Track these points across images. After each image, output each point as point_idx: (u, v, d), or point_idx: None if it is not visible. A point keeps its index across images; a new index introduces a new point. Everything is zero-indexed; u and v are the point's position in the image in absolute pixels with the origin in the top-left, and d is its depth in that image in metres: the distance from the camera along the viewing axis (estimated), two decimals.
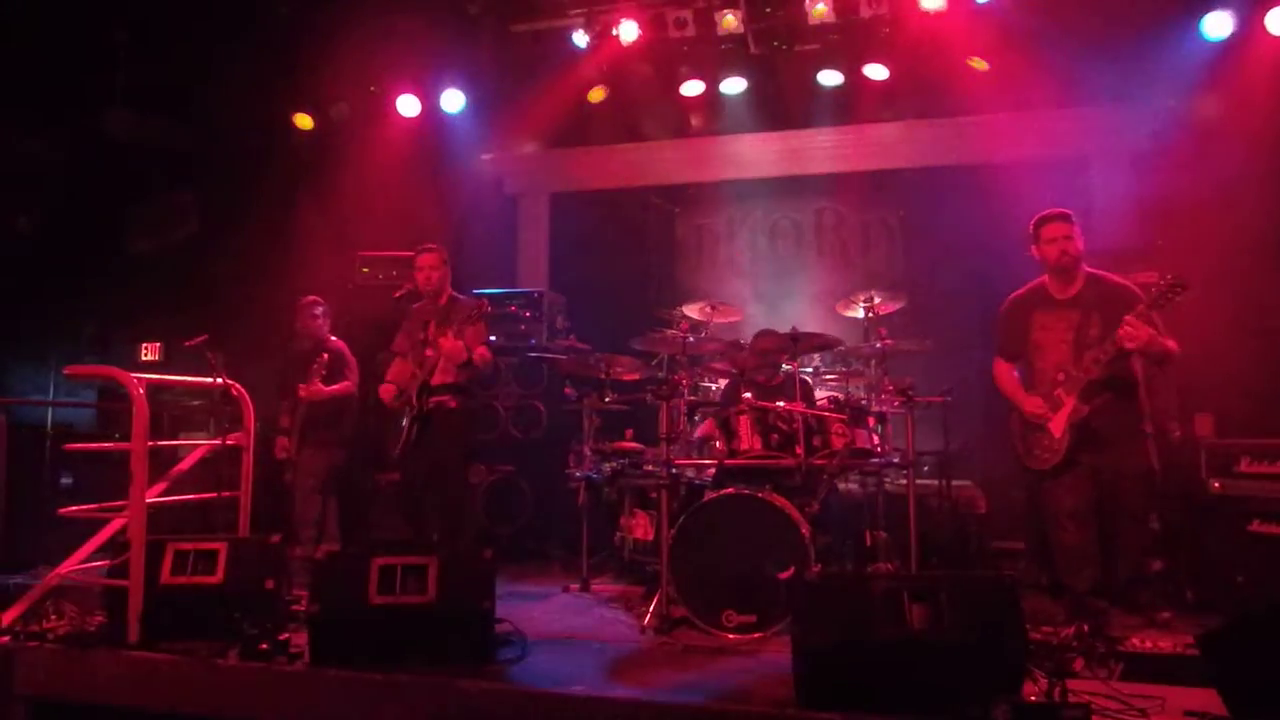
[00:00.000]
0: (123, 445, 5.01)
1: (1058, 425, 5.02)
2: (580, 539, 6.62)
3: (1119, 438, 5.00)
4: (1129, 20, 7.25)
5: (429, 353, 5.78)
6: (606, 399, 6.84)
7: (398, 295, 6.10)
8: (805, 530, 5.11)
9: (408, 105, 8.81)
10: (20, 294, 8.48)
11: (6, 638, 4.75)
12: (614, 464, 6.80)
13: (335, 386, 6.98)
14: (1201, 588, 5.53)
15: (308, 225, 9.77)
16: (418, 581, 4.41)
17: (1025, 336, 5.26)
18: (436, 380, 5.95)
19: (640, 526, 6.27)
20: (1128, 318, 4.73)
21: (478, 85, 8.51)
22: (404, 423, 5.91)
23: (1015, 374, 5.40)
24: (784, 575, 4.98)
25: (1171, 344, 4.90)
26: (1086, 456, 5.02)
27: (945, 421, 6.88)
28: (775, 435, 5.62)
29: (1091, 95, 7.89)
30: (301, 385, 6.83)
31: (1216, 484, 5.63)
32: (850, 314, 7.17)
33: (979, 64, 7.55)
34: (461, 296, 6.27)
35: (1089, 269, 5.25)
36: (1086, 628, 4.53)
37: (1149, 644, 4.51)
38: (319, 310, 7.29)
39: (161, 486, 5.55)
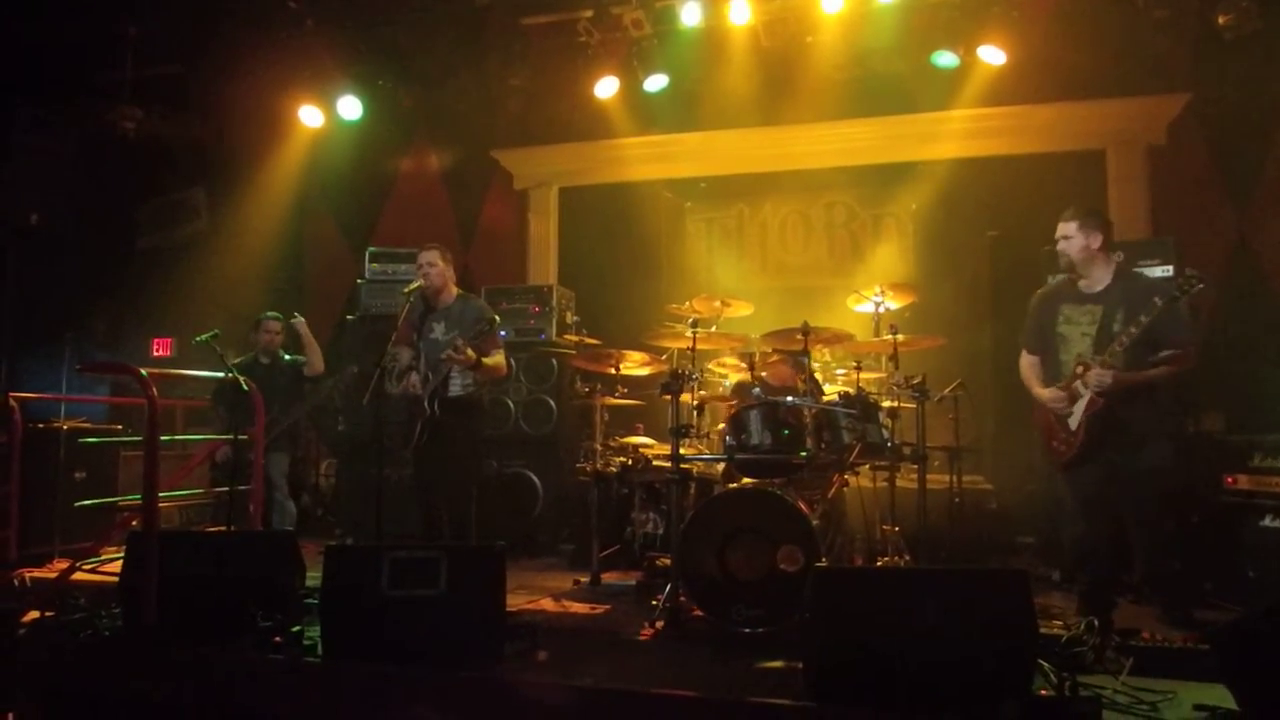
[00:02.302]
0: (135, 440, 5.04)
1: (1075, 418, 5.03)
2: (590, 533, 6.63)
3: (1136, 435, 4.99)
4: (1145, 12, 7.21)
5: (448, 354, 5.77)
6: (616, 393, 6.85)
7: (408, 290, 6.09)
8: (815, 525, 5.11)
9: (415, 100, 8.82)
10: (32, 290, 8.53)
11: (23, 630, 4.78)
12: (624, 458, 6.82)
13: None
14: (1213, 583, 5.52)
15: (318, 220, 9.82)
16: (429, 575, 4.42)
17: (1050, 329, 5.27)
18: (449, 385, 5.95)
19: (650, 521, 6.28)
20: (1094, 368, 4.88)
21: (487, 78, 8.50)
22: (418, 425, 5.91)
23: (1038, 366, 5.39)
24: (794, 570, 4.99)
25: (1153, 373, 4.93)
26: (1103, 451, 5.02)
27: (956, 416, 6.87)
28: (786, 430, 5.63)
29: (1107, 88, 7.85)
30: None
31: (1229, 479, 5.62)
32: (861, 308, 7.17)
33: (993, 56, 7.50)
34: (473, 298, 6.25)
35: (1126, 266, 5.34)
36: (1097, 622, 4.52)
37: (1159, 638, 4.51)
38: (275, 327, 7.37)
39: (174, 480, 5.58)
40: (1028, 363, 5.43)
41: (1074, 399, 5.03)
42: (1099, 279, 5.16)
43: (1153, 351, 4.91)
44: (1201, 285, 4.74)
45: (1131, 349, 4.87)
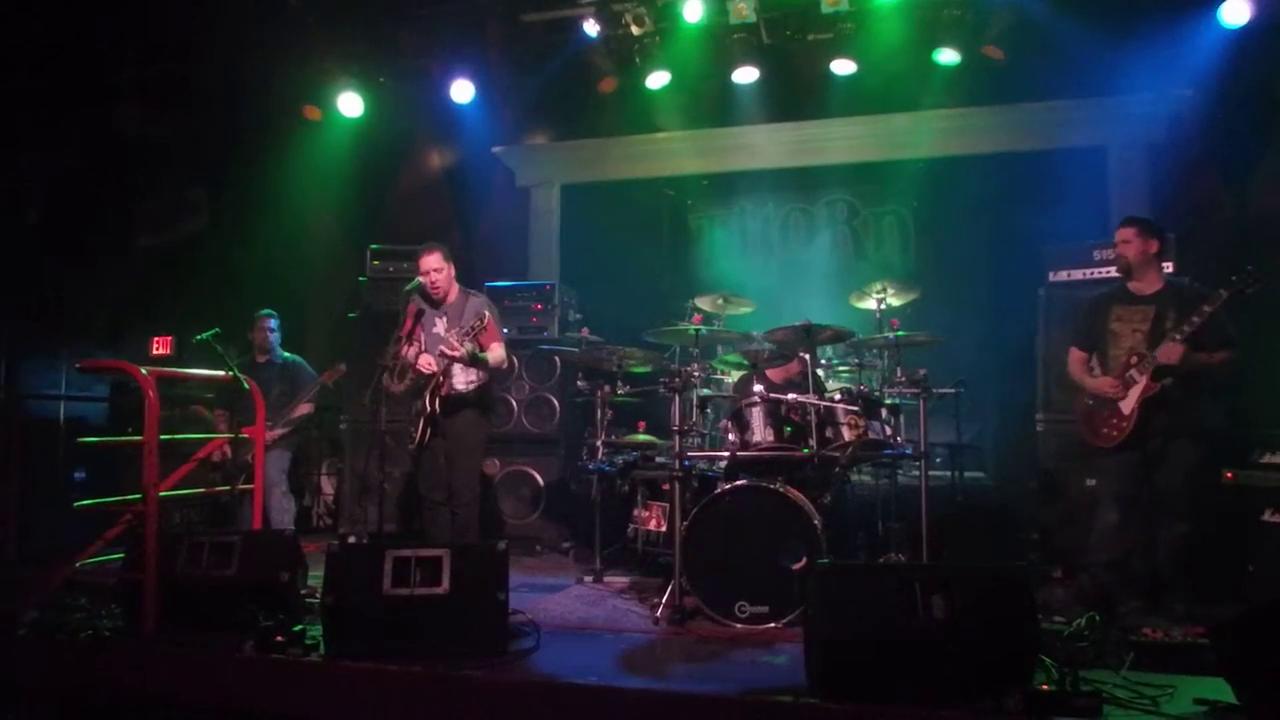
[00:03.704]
0: (135, 439, 5.03)
1: (1128, 403, 5.19)
2: (593, 531, 6.64)
3: (1183, 424, 5.17)
4: (1145, 8, 7.20)
5: (441, 350, 5.76)
6: (619, 391, 6.84)
7: (410, 288, 6.08)
8: (818, 521, 5.12)
9: (417, 97, 8.81)
10: (32, 288, 8.52)
11: (23, 630, 4.78)
12: (626, 456, 6.82)
13: (298, 411, 7.37)
14: (1213, 577, 5.52)
15: (319, 217, 9.80)
16: (432, 574, 4.43)
17: (1103, 327, 5.48)
18: (450, 383, 5.94)
19: (653, 518, 6.28)
20: (1166, 343, 5.04)
21: (488, 76, 8.48)
22: (420, 423, 5.91)
23: (1087, 362, 5.59)
24: (797, 566, 5.00)
25: (1216, 358, 5.10)
26: (1148, 440, 5.19)
27: (957, 413, 6.87)
28: (788, 427, 5.64)
29: (1107, 85, 7.84)
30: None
31: (1229, 474, 5.64)
32: (863, 306, 7.16)
33: (994, 53, 7.49)
34: (474, 294, 6.24)
35: (1172, 277, 5.64)
36: (1098, 617, 4.53)
37: (1160, 633, 4.51)
38: (271, 324, 7.40)
39: (174, 479, 5.57)
40: (1077, 358, 5.64)
41: (1128, 385, 5.20)
42: (1151, 282, 5.41)
43: (1200, 349, 5.07)
44: (1260, 284, 4.89)
45: (1187, 341, 5.03)
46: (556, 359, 7.90)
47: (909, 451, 5.92)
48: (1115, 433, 5.24)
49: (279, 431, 7.21)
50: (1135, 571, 5.21)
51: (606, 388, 6.85)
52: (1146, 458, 5.23)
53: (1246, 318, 5.28)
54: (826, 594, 3.90)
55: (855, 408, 5.71)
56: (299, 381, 7.41)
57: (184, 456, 6.03)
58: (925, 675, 3.68)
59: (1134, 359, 5.20)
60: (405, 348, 6.05)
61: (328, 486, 9.20)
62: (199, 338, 6.34)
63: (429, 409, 5.84)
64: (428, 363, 5.87)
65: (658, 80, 8.16)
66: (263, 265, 9.18)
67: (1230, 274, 4.97)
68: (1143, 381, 5.14)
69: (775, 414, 5.67)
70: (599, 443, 6.80)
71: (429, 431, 5.92)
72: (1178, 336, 5.02)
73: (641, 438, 6.96)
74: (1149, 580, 5.20)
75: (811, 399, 5.57)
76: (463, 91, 8.46)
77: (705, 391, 6.93)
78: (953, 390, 6.66)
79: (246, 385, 6.02)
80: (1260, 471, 5.58)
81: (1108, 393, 5.28)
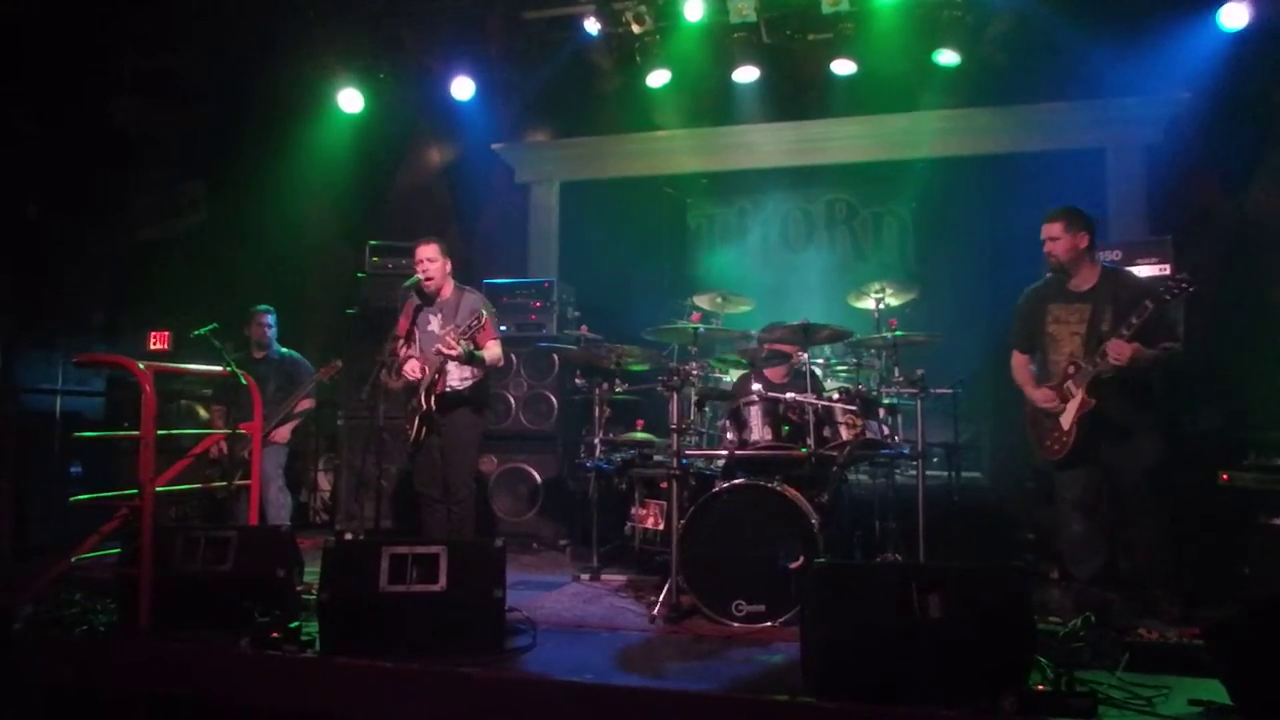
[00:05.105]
0: (131, 434, 5.03)
1: (1067, 417, 5.07)
2: (590, 529, 6.63)
3: (1129, 432, 5.05)
4: (1144, 11, 7.21)
5: (437, 349, 5.76)
6: (617, 389, 6.85)
7: (407, 284, 6.09)
8: (815, 520, 5.12)
9: (417, 93, 8.81)
10: (29, 282, 8.51)
11: (18, 626, 4.77)
12: (624, 454, 6.82)
13: (300, 406, 7.36)
14: (1208, 579, 5.53)
15: (318, 213, 9.79)
16: (428, 571, 4.43)
17: (1040, 328, 5.32)
18: (445, 380, 5.94)
19: (650, 516, 6.28)
20: (1111, 341, 4.85)
21: (488, 73, 8.48)
22: (415, 420, 5.90)
23: (1029, 366, 5.46)
24: (794, 565, 5.00)
25: (1155, 355, 4.93)
26: (1096, 449, 5.08)
27: (955, 413, 6.88)
28: (786, 426, 5.64)
29: (1105, 87, 7.85)
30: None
31: (1224, 476, 5.63)
32: (861, 305, 7.17)
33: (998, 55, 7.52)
34: (470, 291, 6.24)
35: (1109, 265, 5.43)
36: (1093, 618, 4.54)
37: (1155, 634, 4.52)
38: (268, 320, 7.39)
39: (171, 475, 5.56)
40: (1019, 362, 5.50)
41: (1066, 398, 5.08)
42: (1086, 277, 5.21)
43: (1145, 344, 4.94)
44: (1191, 289, 4.78)
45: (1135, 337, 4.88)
46: (555, 356, 7.90)
47: (906, 451, 5.92)
48: (1057, 446, 5.14)
49: (286, 428, 7.21)
50: (1119, 573, 5.20)
51: (605, 385, 6.86)
52: (1098, 467, 5.13)
53: (1242, 322, 5.29)
54: (823, 593, 3.91)
55: (853, 407, 5.71)
56: (296, 377, 7.40)
57: (180, 451, 6.02)
58: (921, 675, 3.69)
59: (1071, 369, 5.07)
60: (402, 348, 6.05)
61: (324, 483, 9.19)
62: (196, 333, 6.34)
63: (425, 406, 5.84)
64: (413, 370, 5.89)
65: (658, 78, 8.16)
66: (261, 261, 9.16)
67: (1177, 281, 4.84)
68: (1079, 395, 5.00)
69: (773, 413, 5.67)
70: (597, 440, 6.80)
71: (425, 429, 5.91)
72: (1125, 333, 4.82)
73: (639, 436, 6.97)
74: (1136, 577, 5.20)
75: (809, 398, 5.57)
76: (463, 88, 8.44)
77: (704, 389, 6.93)
78: (950, 390, 6.67)
79: (244, 380, 6.02)
80: (1256, 474, 5.56)
81: (1046, 406, 5.18)
